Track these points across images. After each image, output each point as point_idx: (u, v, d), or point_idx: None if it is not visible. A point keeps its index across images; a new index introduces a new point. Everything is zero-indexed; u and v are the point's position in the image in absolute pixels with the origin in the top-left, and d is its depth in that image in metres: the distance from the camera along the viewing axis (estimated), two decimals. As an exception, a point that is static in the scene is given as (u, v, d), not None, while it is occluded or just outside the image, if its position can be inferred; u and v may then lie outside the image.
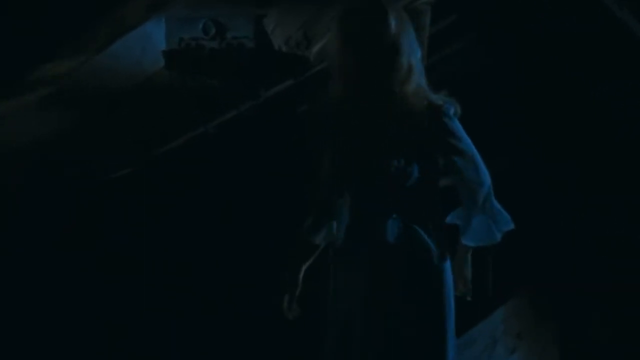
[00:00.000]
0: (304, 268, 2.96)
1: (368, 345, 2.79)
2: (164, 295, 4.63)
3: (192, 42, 4.31)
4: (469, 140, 2.84)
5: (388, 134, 2.75)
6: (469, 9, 4.71)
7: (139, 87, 4.32)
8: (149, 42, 4.28)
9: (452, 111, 2.82)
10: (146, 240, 4.61)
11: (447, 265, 2.88)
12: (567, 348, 4.68)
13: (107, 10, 3.88)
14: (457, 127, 2.83)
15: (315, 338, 2.97)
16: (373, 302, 2.78)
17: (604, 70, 4.73)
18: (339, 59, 2.75)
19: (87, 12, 3.87)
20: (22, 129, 4.26)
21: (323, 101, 2.82)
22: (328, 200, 2.92)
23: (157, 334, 4.57)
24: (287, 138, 3.50)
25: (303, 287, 2.95)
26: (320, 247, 2.97)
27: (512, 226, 2.91)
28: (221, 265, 4.63)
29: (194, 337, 4.64)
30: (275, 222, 3.54)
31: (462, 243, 2.91)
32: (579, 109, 4.90)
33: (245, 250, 4.58)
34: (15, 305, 4.46)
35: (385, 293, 2.78)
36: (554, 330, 4.71)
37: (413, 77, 2.76)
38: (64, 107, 4.25)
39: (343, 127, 2.81)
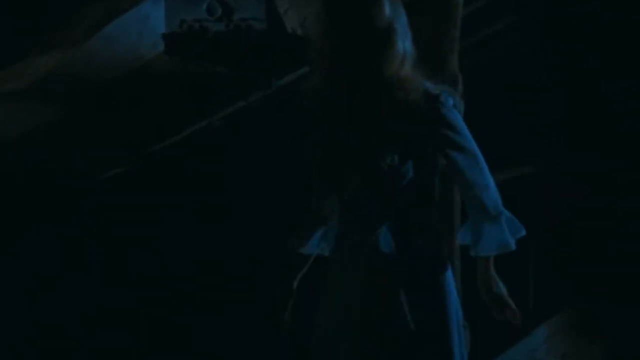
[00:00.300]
0: (297, 279, 2.93)
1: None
2: (165, 295, 4.67)
3: (195, 24, 4.22)
4: (470, 136, 2.73)
5: (380, 127, 2.66)
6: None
7: (135, 74, 4.23)
8: (147, 25, 4.22)
9: (450, 101, 2.71)
10: (143, 243, 4.63)
11: (449, 275, 2.79)
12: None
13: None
14: (457, 119, 2.72)
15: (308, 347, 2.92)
16: (368, 315, 2.71)
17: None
18: (324, 42, 2.65)
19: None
20: (5, 121, 4.21)
21: (308, 91, 2.75)
22: (318, 205, 2.88)
23: (155, 334, 4.58)
24: (301, 132, 3.41)
25: (296, 298, 2.93)
26: (313, 256, 2.93)
27: (523, 232, 2.77)
28: (229, 266, 4.61)
29: (193, 337, 4.63)
30: (286, 225, 3.48)
31: (478, 256, 2.77)
32: (628, 103, 4.85)
33: (252, 252, 4.55)
34: (10, 306, 4.55)
35: (380, 306, 2.71)
36: (603, 350, 4.63)
37: (407, 63, 2.66)
38: (51, 98, 4.19)
39: (329, 120, 2.73)
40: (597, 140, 4.86)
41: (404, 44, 2.64)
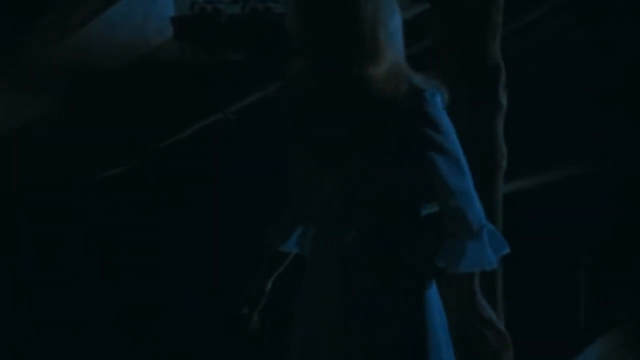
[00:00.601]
0: (270, 279, 2.91)
1: None
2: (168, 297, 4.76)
3: (207, 5, 4.16)
4: (455, 139, 2.64)
5: (358, 123, 2.59)
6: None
7: (140, 63, 4.19)
8: (153, 7, 4.17)
9: (438, 99, 2.61)
10: (153, 246, 4.66)
11: (432, 292, 2.67)
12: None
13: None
14: (441, 118, 2.62)
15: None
16: (342, 327, 2.65)
17: None
18: (293, 30, 2.62)
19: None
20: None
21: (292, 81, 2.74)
22: (297, 201, 2.84)
23: (154, 334, 4.62)
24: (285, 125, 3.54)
25: (268, 301, 2.91)
26: (290, 256, 2.90)
27: (507, 249, 2.66)
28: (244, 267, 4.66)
29: (190, 338, 4.68)
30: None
31: (461, 274, 2.65)
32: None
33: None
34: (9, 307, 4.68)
35: (354, 319, 2.64)
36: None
37: (384, 54, 2.57)
38: (47, 89, 4.17)
39: (303, 117, 2.69)
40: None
41: (376, 31, 2.56)
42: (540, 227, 4.08)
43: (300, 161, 2.74)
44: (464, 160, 2.62)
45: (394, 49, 2.58)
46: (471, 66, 3.64)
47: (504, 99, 3.65)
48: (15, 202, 4.59)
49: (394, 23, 2.58)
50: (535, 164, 4.35)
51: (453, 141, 2.61)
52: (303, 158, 2.72)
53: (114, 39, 4.06)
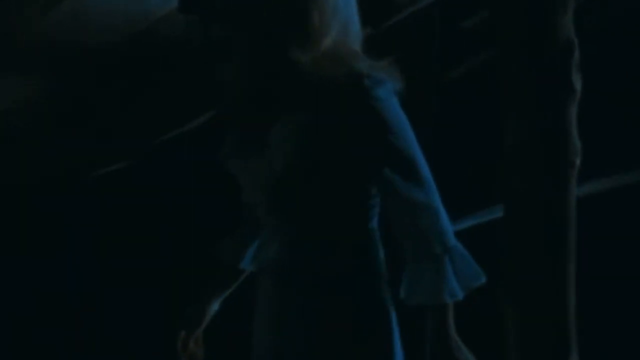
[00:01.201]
0: (219, 299, 2.84)
1: None
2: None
3: None
4: (410, 138, 2.44)
5: (278, 119, 2.45)
6: None
7: (140, 38, 4.15)
8: None
9: (384, 88, 2.41)
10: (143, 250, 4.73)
11: (387, 322, 2.51)
12: None
13: None
14: (390, 114, 2.41)
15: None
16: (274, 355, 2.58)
17: None
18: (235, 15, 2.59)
19: None
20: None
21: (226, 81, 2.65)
22: (248, 212, 2.75)
23: (154, 334, 4.66)
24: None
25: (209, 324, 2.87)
26: (244, 274, 2.83)
27: (482, 280, 2.44)
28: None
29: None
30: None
31: (437, 308, 2.46)
32: None
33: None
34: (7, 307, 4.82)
35: (280, 347, 2.56)
36: None
37: (320, 36, 2.42)
38: (33, 68, 4.14)
39: (231, 108, 2.59)
40: None
41: (322, 9, 2.44)
42: (622, 238, 3.80)
43: (226, 159, 2.58)
44: (423, 165, 2.44)
45: (337, 29, 2.42)
46: (537, 43, 3.38)
47: (577, 83, 3.33)
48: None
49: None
50: (615, 161, 4.06)
51: (406, 141, 2.42)
52: (229, 155, 2.57)
53: (110, 10, 4.03)
